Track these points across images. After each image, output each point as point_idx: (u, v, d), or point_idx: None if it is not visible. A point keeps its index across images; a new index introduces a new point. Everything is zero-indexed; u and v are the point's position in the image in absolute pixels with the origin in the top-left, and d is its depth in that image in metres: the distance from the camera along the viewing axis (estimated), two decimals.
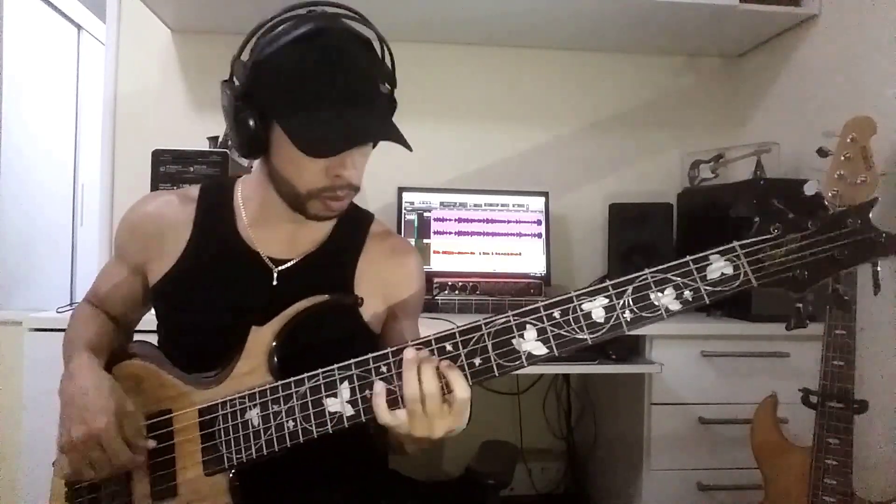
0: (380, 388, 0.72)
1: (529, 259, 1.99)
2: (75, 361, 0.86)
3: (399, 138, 0.84)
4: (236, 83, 0.86)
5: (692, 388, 1.61)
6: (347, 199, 0.91)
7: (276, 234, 0.95)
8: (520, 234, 2.00)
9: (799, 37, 1.93)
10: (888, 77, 1.57)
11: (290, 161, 0.86)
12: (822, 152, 1.31)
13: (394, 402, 0.73)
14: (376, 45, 0.90)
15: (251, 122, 0.84)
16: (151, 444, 0.82)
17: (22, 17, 2.36)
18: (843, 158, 1.26)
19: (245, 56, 0.86)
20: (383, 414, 0.72)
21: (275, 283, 0.93)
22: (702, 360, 1.61)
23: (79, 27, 2.77)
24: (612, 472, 1.89)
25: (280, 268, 0.94)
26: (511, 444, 1.28)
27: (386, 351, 0.75)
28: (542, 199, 2.03)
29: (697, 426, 1.60)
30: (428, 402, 0.70)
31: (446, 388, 0.71)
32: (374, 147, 0.92)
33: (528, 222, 2.01)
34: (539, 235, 2.01)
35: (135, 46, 2.04)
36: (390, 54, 0.92)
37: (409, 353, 0.72)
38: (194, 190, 1.00)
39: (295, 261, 0.95)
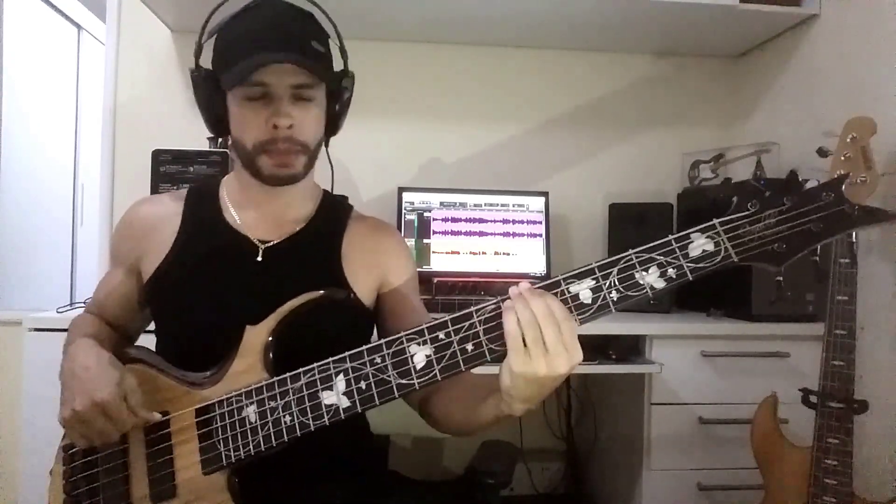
0: (509, 304, 0.70)
1: (529, 259, 1.98)
2: (75, 344, 0.87)
3: (316, 69, 0.88)
4: (196, 68, 0.95)
5: (692, 388, 1.61)
6: (295, 156, 0.92)
7: (261, 218, 0.99)
8: (519, 234, 2.00)
9: (799, 37, 1.93)
10: (888, 77, 1.57)
11: (237, 120, 0.92)
12: (822, 152, 1.31)
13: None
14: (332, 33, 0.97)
15: (208, 95, 0.93)
16: (157, 416, 0.82)
17: (22, 17, 2.36)
18: (843, 158, 1.26)
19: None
20: (511, 323, 0.69)
21: (259, 258, 0.95)
22: (702, 360, 1.61)
23: (79, 27, 2.78)
24: (612, 472, 1.89)
25: (265, 245, 0.96)
26: (511, 444, 1.27)
27: (380, 342, 0.76)
28: (542, 199, 2.03)
29: (697, 426, 1.60)
30: (543, 326, 0.68)
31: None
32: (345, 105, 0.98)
33: (528, 222, 2.01)
34: (539, 235, 2.00)
35: (135, 46, 2.04)
36: (338, 35, 1.00)
37: (514, 290, 0.70)
38: (183, 191, 1.05)
39: (280, 239, 0.97)
